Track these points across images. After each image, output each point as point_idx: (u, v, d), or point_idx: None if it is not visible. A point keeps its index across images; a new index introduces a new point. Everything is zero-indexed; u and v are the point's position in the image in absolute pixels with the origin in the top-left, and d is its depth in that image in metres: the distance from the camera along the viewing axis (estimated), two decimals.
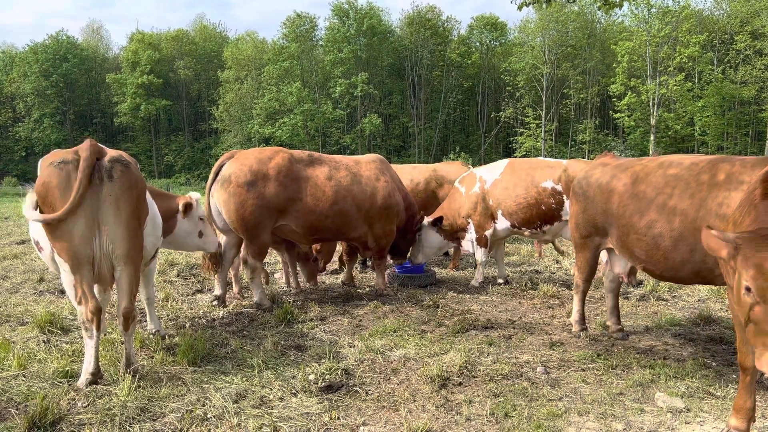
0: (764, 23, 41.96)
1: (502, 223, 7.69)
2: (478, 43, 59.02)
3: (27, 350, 4.65)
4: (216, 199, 6.36)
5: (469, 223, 7.96)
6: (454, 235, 8.20)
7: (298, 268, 7.68)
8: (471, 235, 7.97)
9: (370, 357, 4.73)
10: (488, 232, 7.80)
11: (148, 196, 4.52)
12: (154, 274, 5.54)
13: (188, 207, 5.56)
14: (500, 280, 7.95)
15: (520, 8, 10.77)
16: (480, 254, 7.94)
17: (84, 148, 3.91)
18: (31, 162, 56.02)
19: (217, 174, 6.43)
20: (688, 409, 3.70)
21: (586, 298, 5.81)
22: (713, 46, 46.31)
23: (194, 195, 5.73)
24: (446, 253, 10.05)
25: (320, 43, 56.98)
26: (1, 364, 4.35)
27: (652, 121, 44.35)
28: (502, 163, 8.03)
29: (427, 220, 8.10)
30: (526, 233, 7.67)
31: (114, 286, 4.28)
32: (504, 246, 8.50)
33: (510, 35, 58.76)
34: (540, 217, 7.39)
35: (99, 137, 56.02)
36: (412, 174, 9.87)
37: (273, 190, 6.32)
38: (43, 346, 4.83)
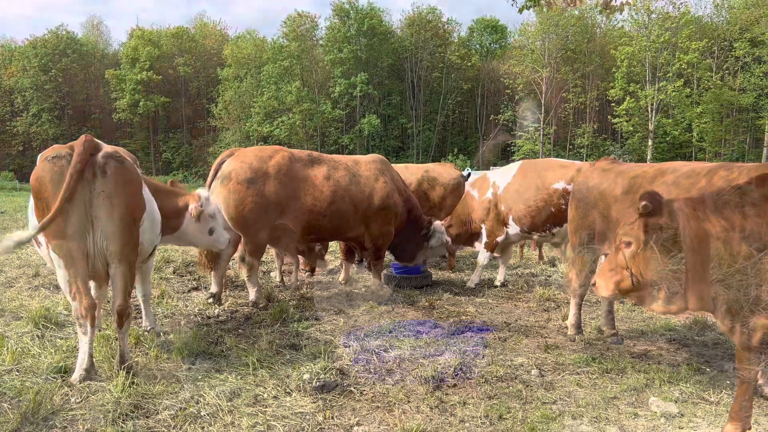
0: (763, 31, 42.05)
1: (513, 229, 7.55)
2: (478, 46, 59.12)
3: (21, 345, 4.63)
4: (216, 196, 6.35)
5: (482, 228, 7.88)
6: (469, 239, 8.13)
7: (300, 259, 7.63)
8: (484, 239, 7.89)
9: (365, 357, 4.73)
10: (500, 239, 7.69)
11: (147, 193, 4.49)
12: (151, 271, 5.52)
13: (200, 213, 5.63)
14: (497, 283, 7.95)
15: (521, 11, 10.73)
16: (483, 257, 7.91)
17: (78, 143, 3.87)
18: (29, 156, 55.89)
19: (217, 171, 6.43)
20: (682, 414, 3.70)
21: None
22: (712, 53, 46.43)
23: (203, 193, 5.70)
24: (443, 255, 10.05)
25: (320, 42, 57.01)
26: None
27: (651, 127, 44.46)
28: (514, 166, 7.86)
29: (436, 224, 8.05)
30: (535, 237, 7.51)
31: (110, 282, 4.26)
32: (511, 250, 8.47)
33: (510, 38, 58.90)
34: (549, 219, 7.17)
35: (97, 133, 55.78)
36: (404, 174, 9.85)
37: (272, 188, 6.32)
38: (37, 341, 4.81)
